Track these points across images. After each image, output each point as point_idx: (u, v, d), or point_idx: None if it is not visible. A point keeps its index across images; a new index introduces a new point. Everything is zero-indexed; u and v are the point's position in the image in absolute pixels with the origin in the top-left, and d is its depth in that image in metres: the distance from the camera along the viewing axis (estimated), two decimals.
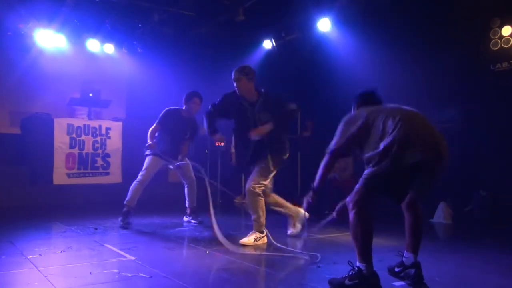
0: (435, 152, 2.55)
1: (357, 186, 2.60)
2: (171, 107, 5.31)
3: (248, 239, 4.05)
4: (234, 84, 4.14)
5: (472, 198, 5.79)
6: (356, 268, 2.54)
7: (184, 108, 5.29)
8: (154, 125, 5.21)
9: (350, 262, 2.59)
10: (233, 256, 3.57)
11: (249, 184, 4.12)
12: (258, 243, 4.05)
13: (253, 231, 4.12)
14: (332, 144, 2.77)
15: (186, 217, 5.45)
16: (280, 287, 2.77)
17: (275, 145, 4.15)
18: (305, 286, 2.72)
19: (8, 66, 7.12)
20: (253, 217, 4.15)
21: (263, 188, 4.15)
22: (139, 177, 5.08)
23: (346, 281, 2.53)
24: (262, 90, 4.23)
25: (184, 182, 5.43)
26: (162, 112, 5.26)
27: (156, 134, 5.20)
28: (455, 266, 3.32)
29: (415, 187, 2.66)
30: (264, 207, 4.17)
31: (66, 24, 7.04)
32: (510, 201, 5.42)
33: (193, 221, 5.32)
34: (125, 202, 5.01)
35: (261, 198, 4.14)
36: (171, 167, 5.36)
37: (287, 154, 4.27)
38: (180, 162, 5.24)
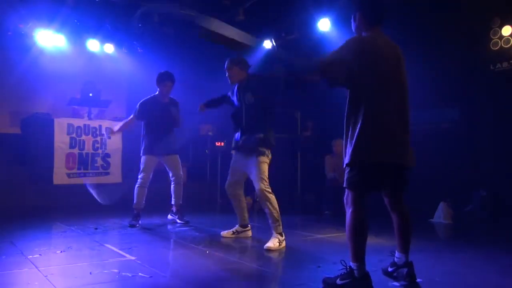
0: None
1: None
2: (145, 99, 5.13)
3: (274, 243, 3.76)
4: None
5: (472, 198, 5.79)
6: (348, 267, 2.53)
7: (158, 91, 5.10)
8: (131, 116, 5.13)
9: (343, 261, 2.58)
10: (233, 256, 3.58)
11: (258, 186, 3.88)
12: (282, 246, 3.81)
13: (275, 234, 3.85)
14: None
15: (171, 215, 5.24)
16: (280, 287, 2.77)
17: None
18: (305, 286, 2.72)
19: (8, 66, 7.12)
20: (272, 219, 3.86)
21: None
22: (138, 180, 5.02)
23: (338, 281, 2.53)
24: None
25: (171, 177, 5.17)
26: (138, 105, 5.07)
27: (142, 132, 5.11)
28: (455, 266, 3.32)
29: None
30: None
31: (66, 24, 7.03)
32: (510, 201, 5.43)
33: (178, 221, 5.11)
34: (133, 206, 5.02)
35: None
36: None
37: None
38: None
